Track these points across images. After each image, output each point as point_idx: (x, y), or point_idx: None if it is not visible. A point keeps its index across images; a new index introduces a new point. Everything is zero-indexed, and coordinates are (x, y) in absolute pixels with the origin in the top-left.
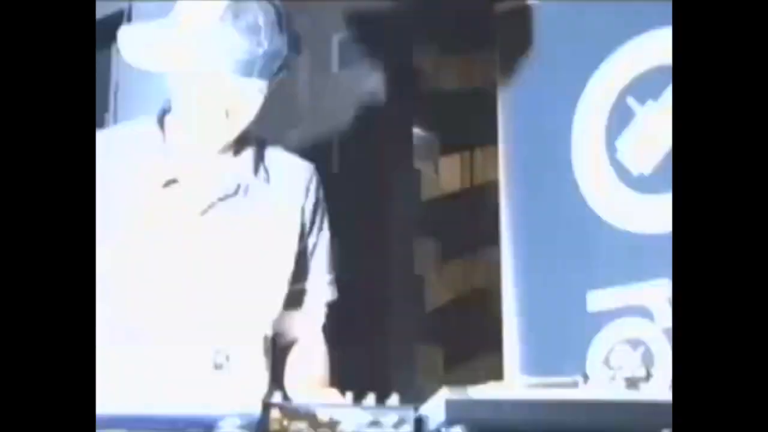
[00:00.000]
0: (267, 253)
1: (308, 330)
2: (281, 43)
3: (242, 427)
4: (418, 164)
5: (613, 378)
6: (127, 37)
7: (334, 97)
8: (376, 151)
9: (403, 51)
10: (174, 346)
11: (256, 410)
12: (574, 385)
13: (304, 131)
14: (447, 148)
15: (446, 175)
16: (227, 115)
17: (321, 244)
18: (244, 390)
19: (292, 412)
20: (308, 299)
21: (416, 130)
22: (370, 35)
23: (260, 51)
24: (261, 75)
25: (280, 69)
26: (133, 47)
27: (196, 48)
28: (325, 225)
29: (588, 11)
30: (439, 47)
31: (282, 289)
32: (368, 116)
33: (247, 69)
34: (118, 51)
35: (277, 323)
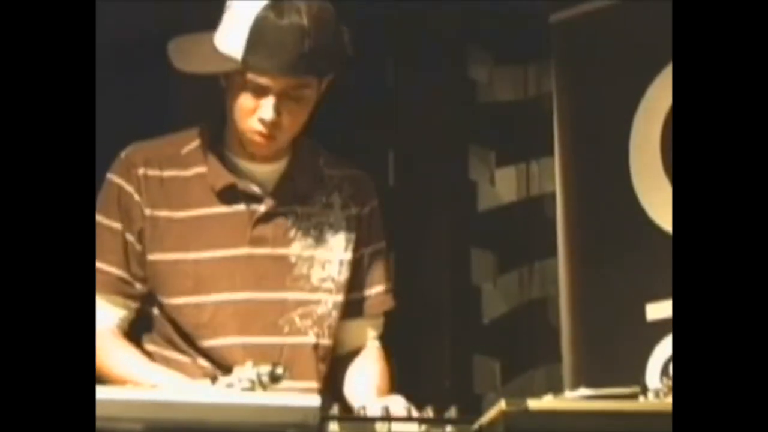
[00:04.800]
0: (323, 262)
1: (366, 339)
2: (328, 40)
3: None
4: (474, 175)
5: (672, 388)
6: (177, 45)
7: (389, 109)
8: (432, 163)
9: (458, 62)
10: (231, 356)
11: (315, 422)
12: (634, 395)
13: (361, 143)
14: (503, 159)
15: (502, 186)
16: (279, 116)
17: (377, 253)
18: (302, 402)
19: (351, 425)
20: (366, 308)
21: (472, 142)
22: (425, 46)
23: (305, 48)
24: (309, 72)
25: (329, 67)
26: (183, 53)
27: (242, 48)
28: (381, 234)
29: (645, 19)
30: (494, 58)
31: (339, 299)
32: (424, 128)
33: (295, 67)
34: None
35: (335, 333)
